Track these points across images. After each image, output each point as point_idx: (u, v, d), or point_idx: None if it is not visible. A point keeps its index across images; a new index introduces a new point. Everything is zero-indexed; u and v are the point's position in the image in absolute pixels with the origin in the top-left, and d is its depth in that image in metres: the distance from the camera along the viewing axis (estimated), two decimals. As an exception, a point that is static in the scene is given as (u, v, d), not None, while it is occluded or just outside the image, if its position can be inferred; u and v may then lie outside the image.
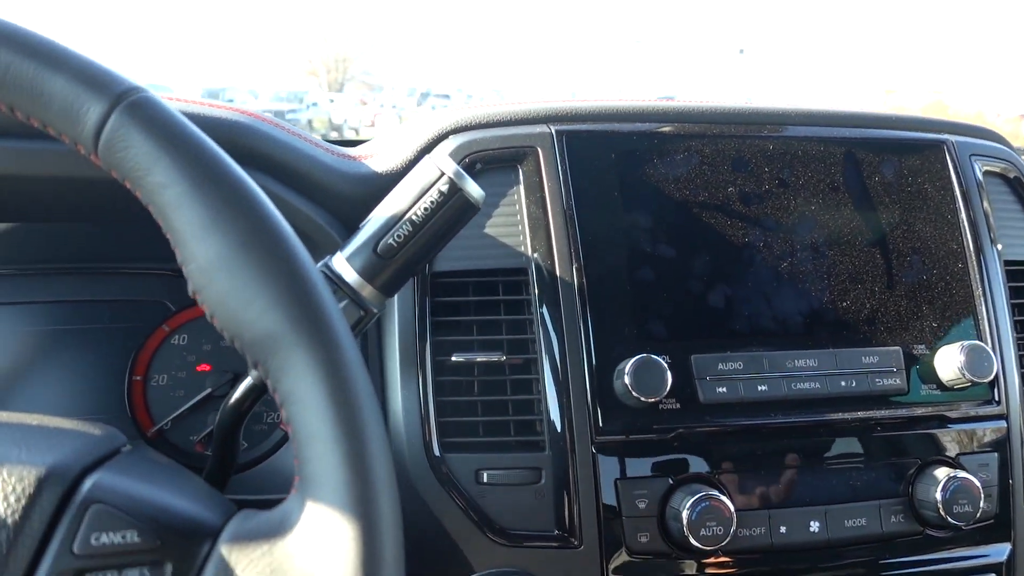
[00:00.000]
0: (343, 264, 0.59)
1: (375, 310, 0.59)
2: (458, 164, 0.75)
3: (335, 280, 0.58)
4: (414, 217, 0.58)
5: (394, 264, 0.58)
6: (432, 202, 0.58)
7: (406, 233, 0.58)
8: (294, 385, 0.39)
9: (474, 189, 0.59)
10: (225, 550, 0.38)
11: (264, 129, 0.72)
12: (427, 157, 0.60)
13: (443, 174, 0.58)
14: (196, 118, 0.69)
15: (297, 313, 0.39)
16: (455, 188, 0.58)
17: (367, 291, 0.58)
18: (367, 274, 0.58)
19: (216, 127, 0.69)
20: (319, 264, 0.59)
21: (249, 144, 0.70)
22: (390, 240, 0.58)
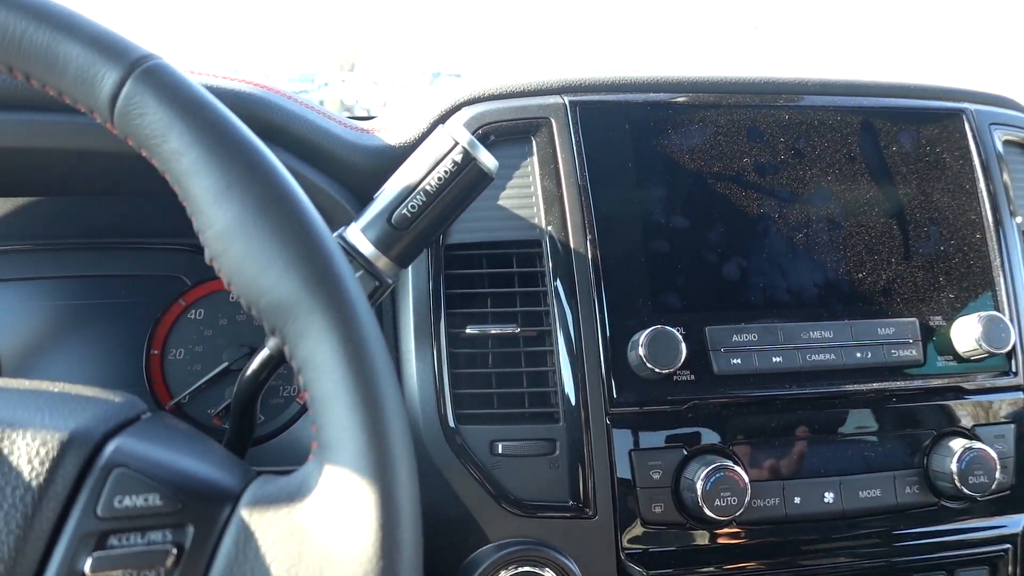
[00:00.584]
0: (357, 235, 0.59)
1: (390, 281, 0.59)
2: (473, 135, 0.75)
3: (350, 251, 0.58)
4: (428, 187, 0.58)
5: (409, 235, 0.58)
6: (446, 172, 0.58)
7: (420, 203, 0.58)
8: (312, 351, 0.39)
9: (488, 159, 0.59)
10: (245, 513, 0.38)
11: (278, 102, 0.72)
12: (441, 127, 0.60)
13: (457, 144, 0.58)
14: (211, 91, 0.69)
15: (314, 279, 0.39)
16: (469, 158, 0.58)
17: (382, 262, 0.59)
18: (382, 245, 0.58)
19: (231, 100, 0.69)
20: (333, 235, 0.59)
21: (264, 117, 0.70)
22: (404, 210, 0.58)
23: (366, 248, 0.58)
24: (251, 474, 0.42)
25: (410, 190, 0.58)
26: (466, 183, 0.58)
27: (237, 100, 0.69)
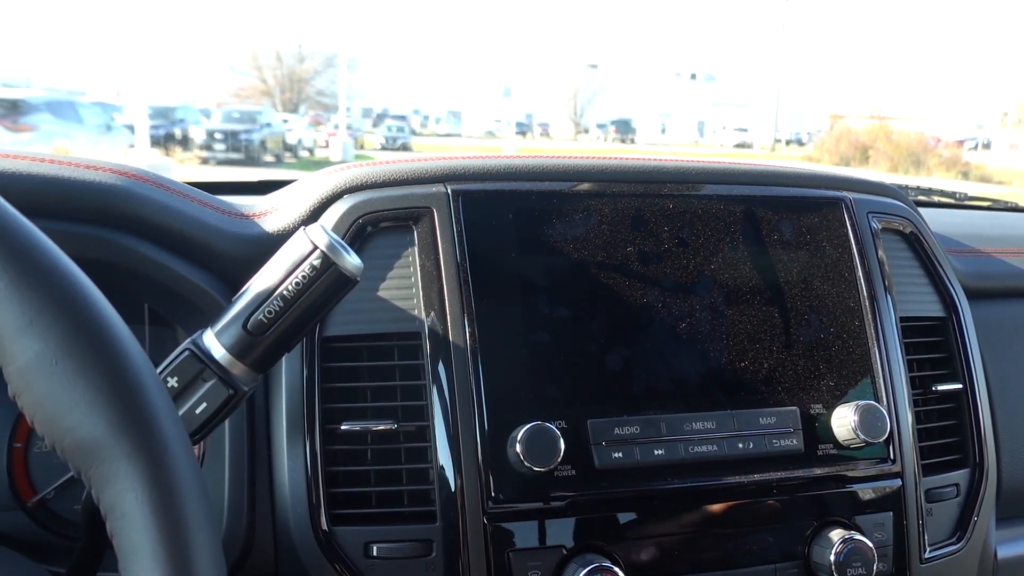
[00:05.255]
0: (212, 341, 0.56)
1: (246, 388, 0.57)
2: (352, 224, 0.74)
3: (203, 358, 0.56)
4: (286, 292, 0.56)
5: (265, 341, 0.56)
6: (304, 276, 0.56)
7: (277, 309, 0.56)
8: (117, 499, 0.37)
9: (349, 262, 0.57)
10: None
11: (140, 192, 0.69)
12: (301, 229, 0.58)
13: (316, 248, 0.56)
14: (65, 181, 0.67)
15: (119, 421, 0.37)
16: (328, 262, 0.56)
17: (238, 369, 0.56)
18: (237, 351, 0.56)
19: (86, 192, 0.67)
20: (187, 341, 0.57)
21: (122, 208, 0.68)
22: (261, 316, 0.56)
23: (220, 354, 0.56)
24: None
25: (267, 295, 0.56)
26: (326, 287, 0.57)
27: (92, 192, 0.67)
